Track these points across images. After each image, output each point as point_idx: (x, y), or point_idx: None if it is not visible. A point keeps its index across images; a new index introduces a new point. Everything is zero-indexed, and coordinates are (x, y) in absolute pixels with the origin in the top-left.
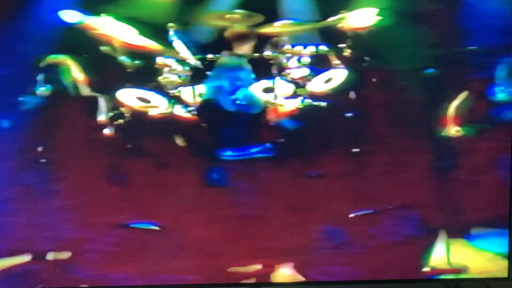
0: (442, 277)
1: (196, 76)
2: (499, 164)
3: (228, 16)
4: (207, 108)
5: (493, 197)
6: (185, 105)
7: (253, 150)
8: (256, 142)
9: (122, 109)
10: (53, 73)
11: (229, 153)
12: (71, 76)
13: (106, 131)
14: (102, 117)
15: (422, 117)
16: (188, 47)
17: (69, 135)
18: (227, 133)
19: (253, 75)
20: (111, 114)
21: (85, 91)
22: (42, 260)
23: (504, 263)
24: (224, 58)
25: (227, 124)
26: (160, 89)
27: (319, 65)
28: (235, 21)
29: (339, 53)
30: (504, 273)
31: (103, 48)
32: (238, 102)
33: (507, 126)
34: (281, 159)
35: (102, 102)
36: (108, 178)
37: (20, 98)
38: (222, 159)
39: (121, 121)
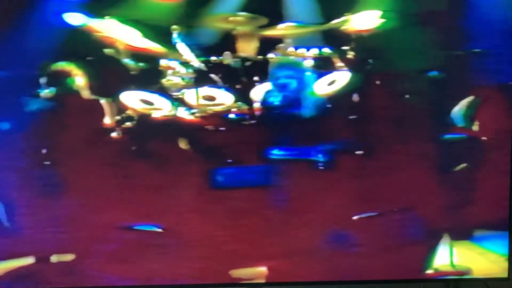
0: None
1: (200, 79)
2: (500, 166)
3: (232, 18)
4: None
5: (494, 199)
6: (189, 107)
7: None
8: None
9: (129, 111)
10: (57, 76)
11: (276, 151)
12: (75, 78)
13: (110, 134)
14: (105, 120)
15: (426, 119)
16: (192, 50)
17: (73, 137)
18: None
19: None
20: (116, 117)
21: (89, 93)
22: (46, 262)
23: (505, 264)
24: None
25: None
26: (164, 92)
27: (322, 67)
28: (239, 23)
29: (342, 56)
30: (504, 273)
31: (107, 51)
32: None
33: (507, 127)
34: (282, 161)
35: (105, 104)
36: (112, 180)
37: (25, 100)
38: (227, 161)
39: (129, 124)
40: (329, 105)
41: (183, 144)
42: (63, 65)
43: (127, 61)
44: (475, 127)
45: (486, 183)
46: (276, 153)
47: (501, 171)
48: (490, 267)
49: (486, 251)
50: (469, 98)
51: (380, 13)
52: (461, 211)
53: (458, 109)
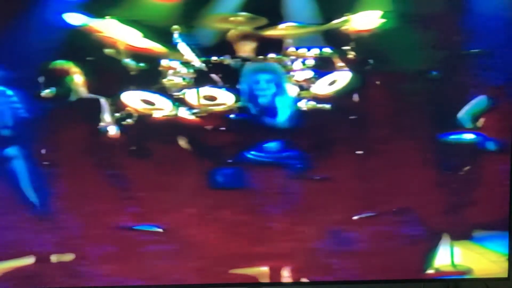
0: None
1: (201, 79)
2: (500, 166)
3: (232, 18)
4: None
5: (495, 198)
6: (190, 107)
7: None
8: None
9: (129, 109)
10: (58, 76)
11: (253, 153)
12: (75, 79)
13: (110, 133)
14: (106, 119)
15: (426, 119)
16: (193, 50)
17: (72, 138)
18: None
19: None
20: (117, 115)
21: (89, 93)
22: (45, 262)
23: (506, 264)
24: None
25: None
26: (165, 92)
27: (323, 67)
28: (239, 23)
29: (343, 56)
30: (504, 273)
31: (107, 51)
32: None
33: (507, 126)
34: (284, 162)
35: (105, 104)
36: (112, 180)
37: (24, 100)
38: (226, 162)
39: (129, 121)
40: (329, 105)
41: (184, 144)
42: (63, 65)
43: (127, 61)
44: (475, 127)
45: (486, 182)
46: (255, 154)
47: (501, 170)
48: (490, 267)
49: (487, 251)
50: (471, 99)
51: (380, 13)
52: (462, 211)
53: (458, 109)
